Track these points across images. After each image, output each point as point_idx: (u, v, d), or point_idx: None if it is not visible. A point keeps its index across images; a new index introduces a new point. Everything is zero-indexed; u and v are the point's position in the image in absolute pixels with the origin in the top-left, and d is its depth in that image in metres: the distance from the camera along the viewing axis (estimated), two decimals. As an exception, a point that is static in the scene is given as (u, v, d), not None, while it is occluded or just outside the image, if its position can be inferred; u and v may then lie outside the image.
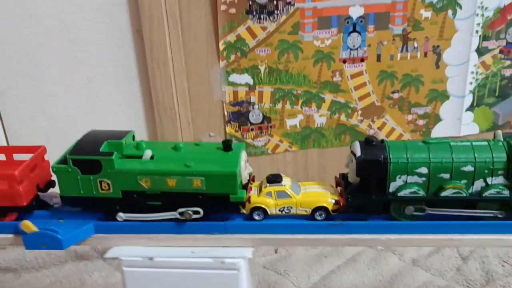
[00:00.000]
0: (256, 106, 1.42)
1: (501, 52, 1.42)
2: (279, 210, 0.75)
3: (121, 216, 0.76)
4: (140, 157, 0.75)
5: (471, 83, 1.44)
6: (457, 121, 1.49)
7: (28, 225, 0.72)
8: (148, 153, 0.75)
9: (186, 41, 1.32)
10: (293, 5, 1.31)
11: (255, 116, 1.43)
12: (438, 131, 1.49)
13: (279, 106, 1.42)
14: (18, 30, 1.28)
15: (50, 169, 0.78)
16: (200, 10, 1.30)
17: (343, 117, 1.45)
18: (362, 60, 1.39)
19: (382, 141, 0.75)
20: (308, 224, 0.74)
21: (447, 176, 0.71)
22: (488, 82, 1.45)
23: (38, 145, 0.82)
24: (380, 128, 1.48)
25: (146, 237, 0.75)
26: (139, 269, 0.74)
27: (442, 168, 0.71)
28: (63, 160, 0.74)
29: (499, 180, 0.71)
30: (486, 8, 1.36)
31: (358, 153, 0.73)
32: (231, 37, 1.34)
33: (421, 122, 1.48)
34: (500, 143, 0.71)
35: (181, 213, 0.74)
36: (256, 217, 0.75)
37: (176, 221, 0.75)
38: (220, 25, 1.32)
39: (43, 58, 1.31)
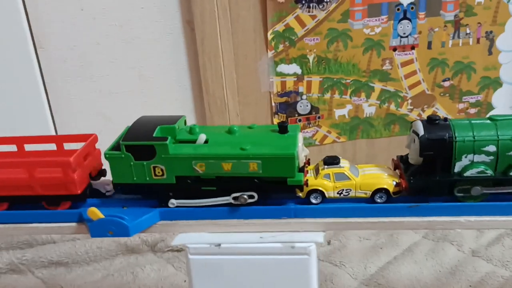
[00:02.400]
0: (304, 97, 1.40)
1: (556, 36, 1.38)
2: (338, 193, 0.72)
3: (173, 202, 0.74)
4: (194, 141, 0.73)
5: (525, 69, 1.41)
6: (510, 110, 1.45)
7: (94, 212, 0.71)
8: (202, 137, 0.73)
9: (235, 32, 1.31)
10: (343, -8, 1.29)
11: (303, 107, 1.41)
12: (490, 120, 1.46)
13: (327, 96, 1.40)
14: (71, 27, 1.29)
15: (102, 157, 0.76)
16: (249, 0, 1.28)
17: (392, 107, 1.43)
18: (412, 47, 1.36)
19: (446, 119, 0.71)
20: (385, 207, 0.71)
21: None
22: (543, 68, 1.42)
23: (89, 133, 0.81)
24: (430, 117, 1.45)
25: (213, 223, 0.73)
26: (206, 257, 0.72)
27: None
28: (116, 147, 0.73)
29: None
30: (542, -9, 1.33)
31: (421, 132, 0.69)
32: (280, 27, 1.32)
33: (472, 110, 1.45)
34: None
35: (235, 198, 0.72)
36: (314, 201, 0.73)
37: (240, 206, 0.72)
38: (268, 15, 1.30)
39: (94, 53, 1.32)
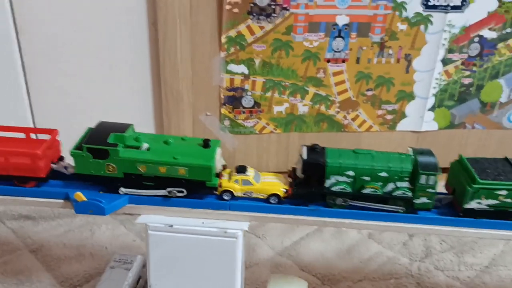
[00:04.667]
0: (249, 93, 1.63)
1: (462, 64, 1.63)
2: (243, 194, 0.96)
3: (122, 190, 0.96)
4: (138, 147, 0.96)
5: (434, 87, 1.66)
6: (420, 119, 1.71)
7: (80, 196, 0.92)
8: (145, 146, 0.96)
9: (194, 34, 1.50)
10: (288, 10, 1.50)
11: (247, 101, 1.64)
12: (402, 126, 1.73)
13: (268, 94, 1.63)
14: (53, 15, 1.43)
15: (66, 152, 0.96)
16: (208, 8, 1.48)
17: (323, 108, 1.67)
18: (343, 61, 1.60)
19: (323, 148, 0.95)
20: (292, 208, 0.95)
21: (367, 178, 0.93)
22: (449, 88, 1.68)
23: (52, 128, 1.02)
24: (353, 120, 1.71)
25: (168, 209, 0.96)
26: (161, 233, 0.95)
27: (365, 172, 0.92)
28: (79, 147, 0.95)
29: (405, 184, 0.93)
30: (453, 26, 1.56)
31: (305, 156, 0.92)
32: (233, 33, 1.53)
33: (389, 117, 1.71)
34: (409, 157, 0.94)
35: (169, 192, 0.95)
36: (225, 197, 0.96)
37: (180, 198, 0.96)
38: (224, 22, 1.50)
39: (71, 50, 1.48)
